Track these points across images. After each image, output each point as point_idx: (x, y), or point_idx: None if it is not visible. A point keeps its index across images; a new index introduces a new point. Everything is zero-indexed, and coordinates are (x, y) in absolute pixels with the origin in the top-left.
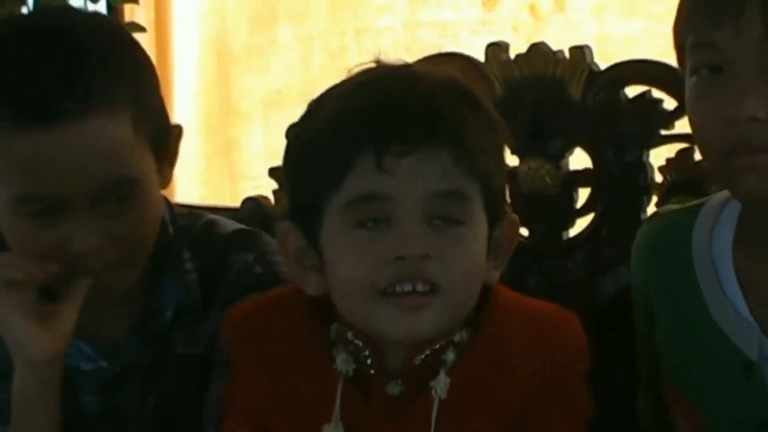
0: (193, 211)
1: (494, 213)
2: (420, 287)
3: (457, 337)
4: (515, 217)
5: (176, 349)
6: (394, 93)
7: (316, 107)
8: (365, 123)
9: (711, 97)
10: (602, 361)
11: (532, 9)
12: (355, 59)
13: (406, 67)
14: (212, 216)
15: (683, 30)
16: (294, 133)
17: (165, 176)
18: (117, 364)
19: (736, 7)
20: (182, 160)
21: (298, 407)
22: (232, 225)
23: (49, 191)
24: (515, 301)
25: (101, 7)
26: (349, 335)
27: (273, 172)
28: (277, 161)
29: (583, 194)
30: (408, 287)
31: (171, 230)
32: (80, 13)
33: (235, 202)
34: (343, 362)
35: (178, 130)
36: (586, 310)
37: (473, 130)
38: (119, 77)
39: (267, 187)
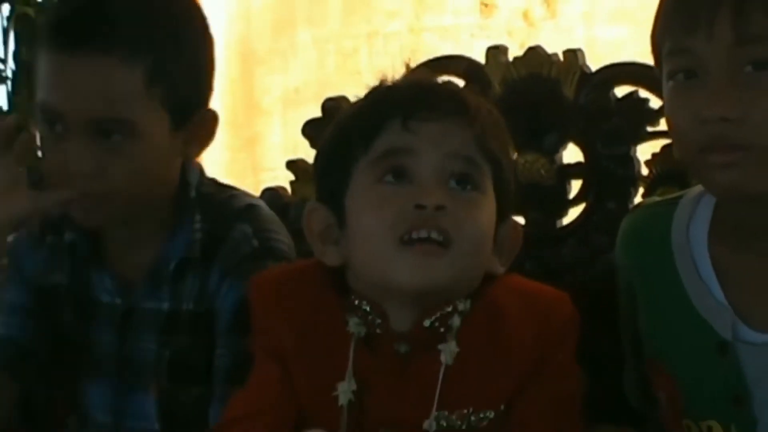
0: (224, 185)
1: (503, 205)
2: (434, 235)
3: (461, 306)
4: (518, 223)
5: (186, 305)
6: (425, 80)
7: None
8: (397, 95)
9: (686, 100)
10: (591, 340)
11: (525, 15)
12: (366, 61)
13: None
14: (239, 191)
15: (660, 37)
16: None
17: (189, 150)
18: (128, 303)
19: (709, 14)
20: (209, 153)
21: (315, 366)
22: (248, 200)
23: (57, 106)
24: (512, 280)
25: None
26: (356, 301)
27: (290, 165)
28: (295, 155)
29: (576, 185)
30: (423, 233)
31: (193, 194)
32: None
33: (257, 192)
34: (354, 325)
35: (211, 114)
36: (577, 292)
37: (490, 123)
38: (147, 36)
39: (285, 179)
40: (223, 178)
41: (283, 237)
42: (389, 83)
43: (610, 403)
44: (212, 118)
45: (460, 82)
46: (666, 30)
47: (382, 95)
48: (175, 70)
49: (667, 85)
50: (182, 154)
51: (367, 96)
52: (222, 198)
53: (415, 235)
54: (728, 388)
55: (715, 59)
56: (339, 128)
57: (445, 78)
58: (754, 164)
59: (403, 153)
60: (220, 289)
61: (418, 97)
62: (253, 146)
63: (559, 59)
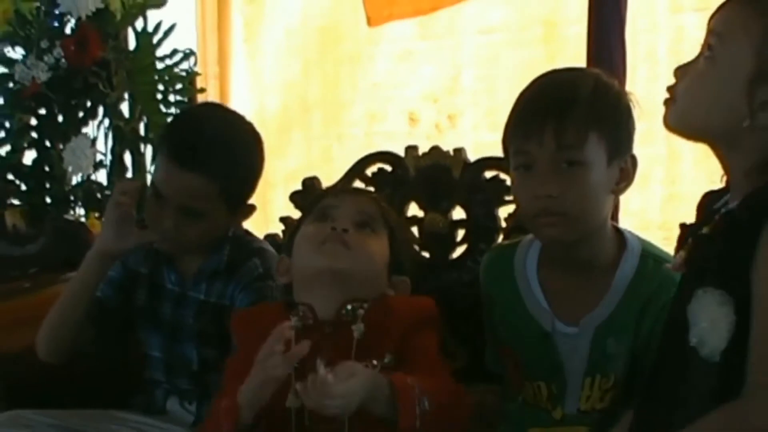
0: (249, 233)
1: (397, 261)
2: (340, 246)
3: (365, 305)
4: (408, 279)
5: (213, 298)
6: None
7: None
8: (332, 187)
9: (525, 184)
10: (466, 330)
11: (437, 126)
12: (338, 153)
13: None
14: (256, 238)
15: (508, 141)
16: None
17: (235, 222)
18: (181, 290)
19: (539, 129)
20: None
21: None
22: (260, 245)
23: (163, 191)
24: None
25: None
26: (297, 307)
27: (282, 220)
28: (288, 213)
29: (461, 233)
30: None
31: (230, 235)
32: (237, 120)
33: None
34: (294, 322)
35: (252, 207)
36: (459, 300)
37: (391, 212)
38: (226, 168)
39: (279, 228)
40: (247, 225)
41: None
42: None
43: (479, 367)
44: (251, 210)
45: (389, 168)
46: (511, 137)
47: (329, 188)
48: (238, 186)
49: (513, 173)
50: (231, 226)
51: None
52: (245, 240)
53: (327, 241)
54: (549, 361)
55: (543, 158)
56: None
57: (379, 165)
58: (567, 225)
59: (330, 207)
60: (238, 296)
61: (342, 187)
62: (265, 207)
63: (450, 154)
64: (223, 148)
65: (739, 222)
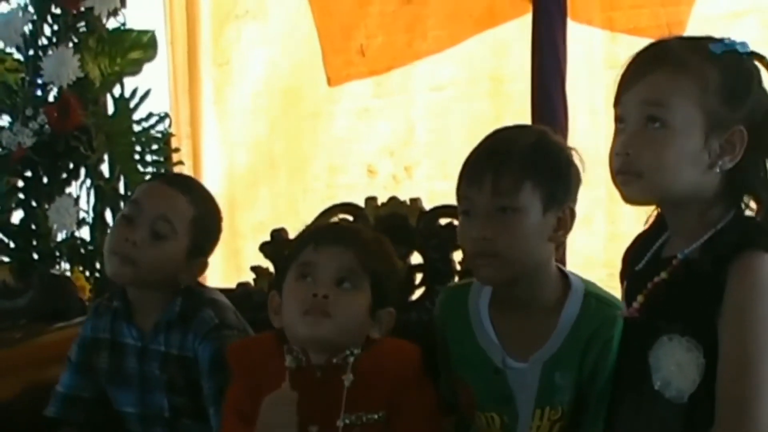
0: (201, 284)
1: (381, 298)
2: (321, 317)
3: (355, 351)
4: (393, 311)
5: (173, 350)
6: (332, 222)
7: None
8: (314, 231)
9: (466, 227)
10: (426, 366)
11: (394, 177)
12: (302, 206)
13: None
14: (208, 288)
15: (458, 189)
16: None
17: (189, 272)
18: (143, 344)
19: (479, 176)
20: (213, 259)
21: (268, 390)
22: (211, 295)
23: (141, 202)
24: (386, 340)
25: None
26: (292, 347)
27: (253, 269)
28: (259, 262)
29: (419, 276)
30: (313, 311)
31: (182, 286)
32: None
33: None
34: (289, 360)
35: (205, 265)
36: (419, 339)
37: (372, 248)
38: (204, 203)
39: (250, 276)
40: (217, 274)
41: (232, 316)
42: (313, 225)
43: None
44: (204, 266)
45: (350, 218)
46: (459, 185)
47: (308, 231)
48: (206, 228)
49: (460, 218)
50: (184, 273)
51: (302, 232)
52: (196, 291)
53: (309, 312)
54: (501, 394)
55: (481, 203)
56: (288, 252)
57: (341, 215)
58: (500, 266)
59: (310, 264)
60: (198, 348)
61: (323, 232)
62: (236, 257)
63: (407, 203)
64: (202, 189)
65: (701, 269)
